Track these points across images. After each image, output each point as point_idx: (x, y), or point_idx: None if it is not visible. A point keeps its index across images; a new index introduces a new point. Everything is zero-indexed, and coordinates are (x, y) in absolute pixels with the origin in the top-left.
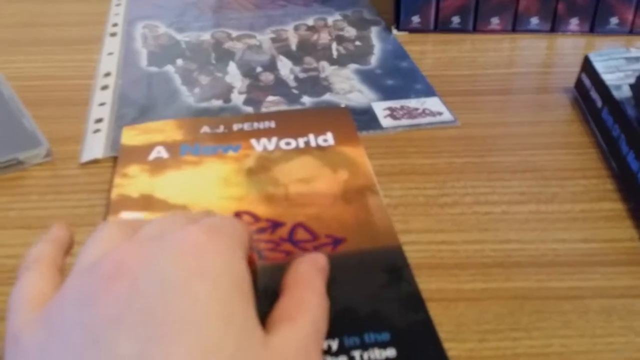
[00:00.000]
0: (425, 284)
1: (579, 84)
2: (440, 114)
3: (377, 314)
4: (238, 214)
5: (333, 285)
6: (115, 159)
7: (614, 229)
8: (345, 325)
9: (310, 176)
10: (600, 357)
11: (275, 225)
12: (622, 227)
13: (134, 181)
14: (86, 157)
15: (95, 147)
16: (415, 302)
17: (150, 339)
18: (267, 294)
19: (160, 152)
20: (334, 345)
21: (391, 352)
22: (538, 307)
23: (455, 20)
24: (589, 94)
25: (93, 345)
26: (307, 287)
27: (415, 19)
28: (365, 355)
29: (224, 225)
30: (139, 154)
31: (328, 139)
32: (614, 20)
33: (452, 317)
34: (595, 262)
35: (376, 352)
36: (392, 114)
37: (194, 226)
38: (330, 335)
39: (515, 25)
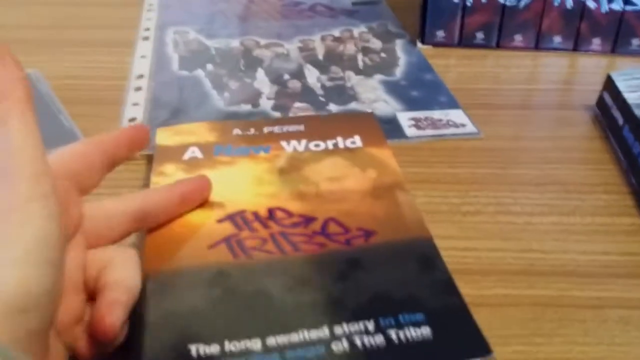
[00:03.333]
0: None
1: (600, 101)
2: (463, 125)
3: (411, 297)
4: (271, 210)
5: (366, 273)
6: (148, 157)
7: (633, 243)
8: (380, 308)
9: (339, 175)
10: None
11: (308, 220)
12: None
13: (170, 179)
14: None
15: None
16: (449, 287)
17: None
18: (303, 284)
19: (194, 152)
20: (370, 326)
21: (426, 330)
22: (559, 315)
23: (479, 36)
24: (610, 112)
25: None
26: None
27: (440, 34)
28: (402, 334)
29: None
30: (174, 153)
31: (356, 141)
32: (635, 42)
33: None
34: (614, 273)
35: (411, 331)
36: (417, 124)
37: None
38: (365, 316)
39: (538, 43)
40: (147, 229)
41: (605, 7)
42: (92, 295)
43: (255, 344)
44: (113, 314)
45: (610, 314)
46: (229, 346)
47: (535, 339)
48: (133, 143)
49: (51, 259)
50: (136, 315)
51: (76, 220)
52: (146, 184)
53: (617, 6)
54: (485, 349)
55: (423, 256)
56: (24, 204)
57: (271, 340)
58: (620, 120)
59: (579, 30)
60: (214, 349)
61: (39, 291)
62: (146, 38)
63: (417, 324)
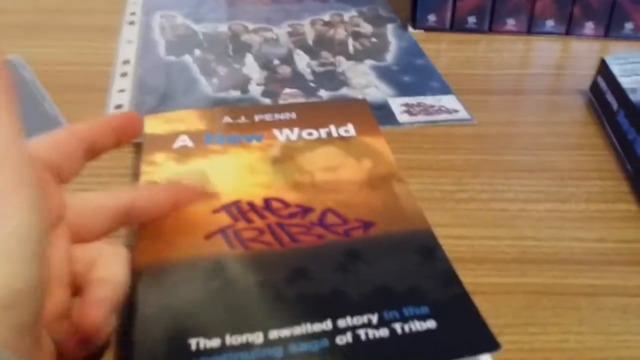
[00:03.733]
0: None
1: (594, 86)
2: (456, 111)
3: (414, 289)
4: (267, 200)
5: (367, 264)
6: (135, 145)
7: (629, 230)
8: (384, 301)
9: (334, 165)
10: (615, 353)
11: (305, 210)
12: (637, 227)
13: (161, 168)
14: None
15: None
16: (451, 278)
17: None
18: (303, 276)
19: (185, 140)
20: (374, 319)
21: (431, 323)
22: (554, 303)
23: (471, 20)
24: (604, 97)
25: None
26: None
27: (432, 18)
28: (406, 327)
29: None
30: (164, 142)
31: (349, 129)
32: (628, 26)
33: None
34: (610, 261)
35: (416, 324)
36: (409, 110)
37: None
38: (369, 310)
39: (531, 27)
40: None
41: None
42: (79, 291)
43: (257, 338)
44: (98, 310)
45: (606, 302)
46: (230, 340)
47: (530, 328)
48: (121, 132)
49: (35, 252)
50: (128, 308)
51: (56, 210)
52: (135, 172)
53: None
54: (494, 344)
55: (423, 247)
56: (3, 195)
57: (273, 334)
58: (615, 105)
59: (572, 14)
60: (214, 342)
61: (25, 287)
62: (132, 22)
63: (422, 318)
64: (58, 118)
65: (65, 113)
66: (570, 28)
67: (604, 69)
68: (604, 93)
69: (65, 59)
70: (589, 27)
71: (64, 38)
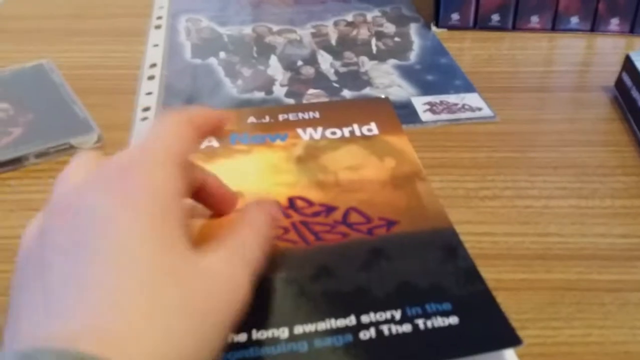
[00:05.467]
0: None
1: (619, 82)
2: (479, 109)
3: (437, 286)
4: (292, 199)
5: (390, 262)
6: None
7: None
8: (406, 297)
9: (358, 164)
10: (639, 348)
11: (329, 209)
12: None
13: None
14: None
15: (143, 133)
16: (473, 275)
17: (79, 262)
18: (328, 273)
19: (210, 141)
20: (397, 315)
21: (454, 319)
22: (578, 298)
23: (495, 18)
24: (629, 93)
25: (39, 263)
26: (248, 225)
27: (455, 16)
28: (429, 323)
29: (156, 139)
30: None
31: (372, 128)
32: None
33: None
34: (635, 256)
35: (439, 320)
36: (432, 108)
37: (124, 152)
38: (392, 306)
39: (555, 24)
40: None
41: None
42: None
43: (283, 333)
44: None
45: (631, 297)
46: (257, 334)
47: (554, 323)
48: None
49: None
50: None
51: None
52: None
53: None
54: (516, 339)
55: (446, 245)
56: (245, 279)
57: (299, 329)
58: None
59: (597, 10)
60: (241, 337)
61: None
62: (158, 26)
63: (444, 314)
64: (88, 121)
65: (94, 116)
66: (595, 24)
67: (629, 65)
68: (629, 89)
69: (93, 63)
70: (614, 23)
71: (93, 43)
